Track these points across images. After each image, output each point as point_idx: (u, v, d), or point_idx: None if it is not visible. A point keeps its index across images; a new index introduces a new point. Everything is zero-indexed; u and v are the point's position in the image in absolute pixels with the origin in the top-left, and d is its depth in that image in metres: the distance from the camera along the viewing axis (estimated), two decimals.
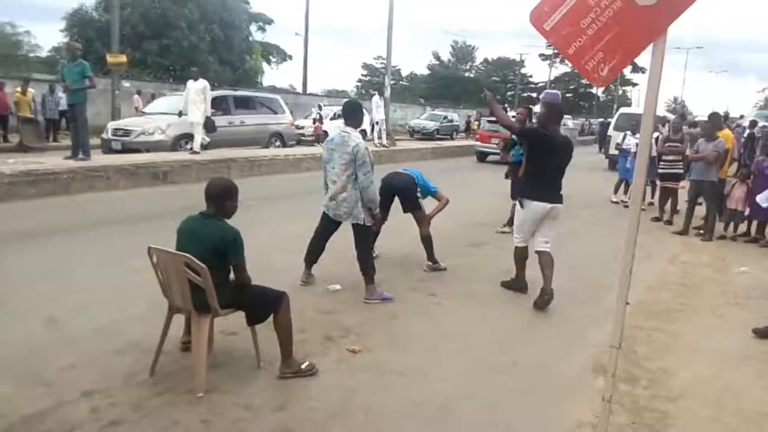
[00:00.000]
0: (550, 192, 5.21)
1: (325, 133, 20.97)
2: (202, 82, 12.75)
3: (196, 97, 12.61)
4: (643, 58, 2.02)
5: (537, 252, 5.28)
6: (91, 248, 6.39)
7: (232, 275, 3.56)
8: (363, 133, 5.56)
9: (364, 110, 5.57)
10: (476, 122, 38.18)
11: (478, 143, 21.13)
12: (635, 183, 1.93)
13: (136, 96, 20.84)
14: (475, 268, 6.45)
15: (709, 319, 5.29)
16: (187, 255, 3.31)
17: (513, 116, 8.41)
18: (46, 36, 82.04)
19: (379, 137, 19.39)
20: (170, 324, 3.63)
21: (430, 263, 6.22)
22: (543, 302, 5.12)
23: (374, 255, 5.66)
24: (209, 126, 12.89)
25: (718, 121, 9.27)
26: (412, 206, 6.23)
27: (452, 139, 30.62)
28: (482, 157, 20.56)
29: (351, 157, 4.98)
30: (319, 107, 25.10)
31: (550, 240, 5.31)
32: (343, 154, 5.03)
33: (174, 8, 28.87)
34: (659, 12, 1.89)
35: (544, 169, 5.19)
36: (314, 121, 23.18)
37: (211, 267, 3.30)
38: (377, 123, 19.41)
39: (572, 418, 3.35)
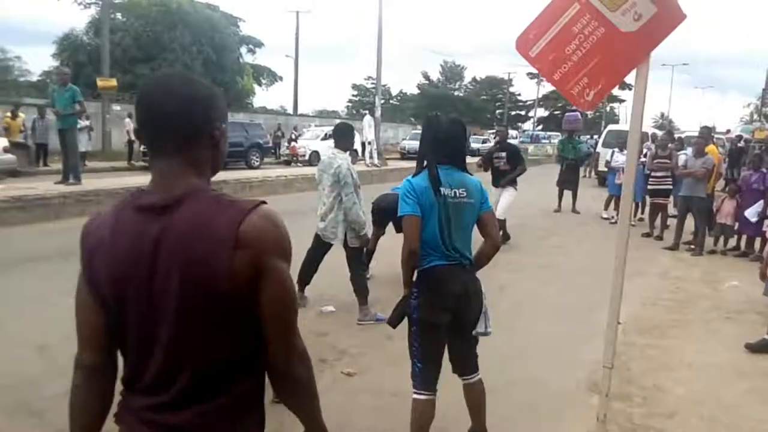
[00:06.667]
0: None
1: (316, 154, 21.16)
2: None
3: None
4: (631, 75, 2.06)
5: None
6: None
7: None
8: (354, 153, 5.57)
9: (355, 132, 5.62)
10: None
11: None
12: (623, 201, 1.96)
13: (127, 119, 20.84)
14: None
15: (702, 334, 5.31)
16: None
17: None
18: (37, 60, 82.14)
19: (371, 157, 19.48)
20: None
21: None
22: None
23: (368, 276, 5.66)
24: None
25: (707, 135, 9.42)
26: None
27: None
28: None
29: (335, 178, 5.04)
30: (294, 129, 27.36)
31: None
32: (330, 175, 5.09)
33: (167, 32, 29.09)
34: (641, 38, 1.94)
35: None
36: (289, 141, 24.13)
37: None
38: (369, 143, 19.50)
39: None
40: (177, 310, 1.20)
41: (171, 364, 1.24)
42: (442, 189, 2.72)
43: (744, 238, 8.94)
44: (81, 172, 11.24)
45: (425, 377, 2.94)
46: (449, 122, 2.87)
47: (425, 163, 2.81)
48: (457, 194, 2.74)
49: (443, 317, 2.82)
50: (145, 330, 1.24)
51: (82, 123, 14.69)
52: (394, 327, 2.96)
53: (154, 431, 1.25)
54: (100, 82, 18.89)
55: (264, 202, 1.29)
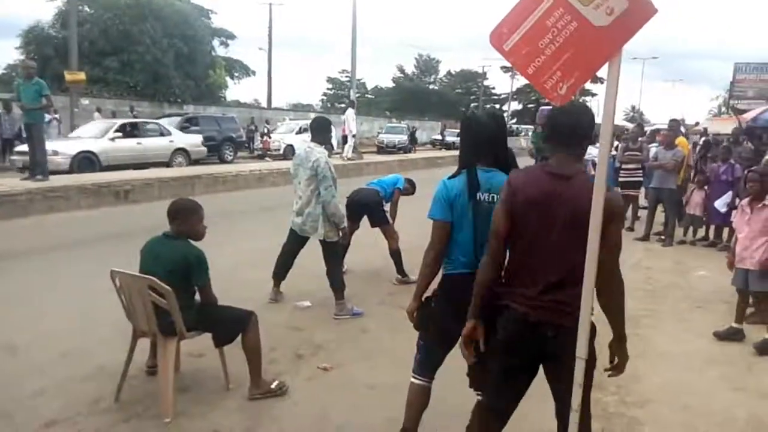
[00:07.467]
0: None
1: (291, 148, 21.02)
2: None
3: None
4: (603, 69, 2.11)
5: None
6: (52, 272, 6.22)
7: (197, 296, 3.50)
8: (330, 147, 5.51)
9: (332, 126, 5.59)
10: (439, 135, 38.66)
11: None
12: (595, 194, 1.98)
13: (96, 114, 20.47)
14: None
15: (673, 323, 5.41)
16: (152, 278, 3.25)
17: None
18: (1, 53, 79.83)
19: (351, 150, 19.36)
20: (135, 348, 3.56)
21: (400, 276, 6.22)
22: None
23: (343, 270, 5.64)
24: None
25: (676, 127, 9.59)
26: (378, 221, 6.24)
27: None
28: None
29: (313, 172, 5.00)
30: (266, 122, 27.99)
31: None
32: (307, 169, 5.05)
33: (136, 24, 28.49)
34: (614, 32, 1.96)
35: None
36: (262, 135, 24.28)
37: (176, 288, 3.25)
38: (354, 135, 19.45)
39: (542, 426, 3.38)
40: (561, 230, 2.16)
41: (548, 265, 2.22)
42: (479, 194, 2.62)
43: (712, 228, 9.13)
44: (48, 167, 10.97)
45: (422, 365, 2.99)
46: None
47: (464, 165, 2.71)
48: (496, 199, 2.51)
49: (458, 328, 2.54)
50: (537, 238, 2.21)
51: (49, 117, 14.35)
52: (417, 330, 2.98)
53: (537, 306, 2.24)
54: (68, 76, 18.44)
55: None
